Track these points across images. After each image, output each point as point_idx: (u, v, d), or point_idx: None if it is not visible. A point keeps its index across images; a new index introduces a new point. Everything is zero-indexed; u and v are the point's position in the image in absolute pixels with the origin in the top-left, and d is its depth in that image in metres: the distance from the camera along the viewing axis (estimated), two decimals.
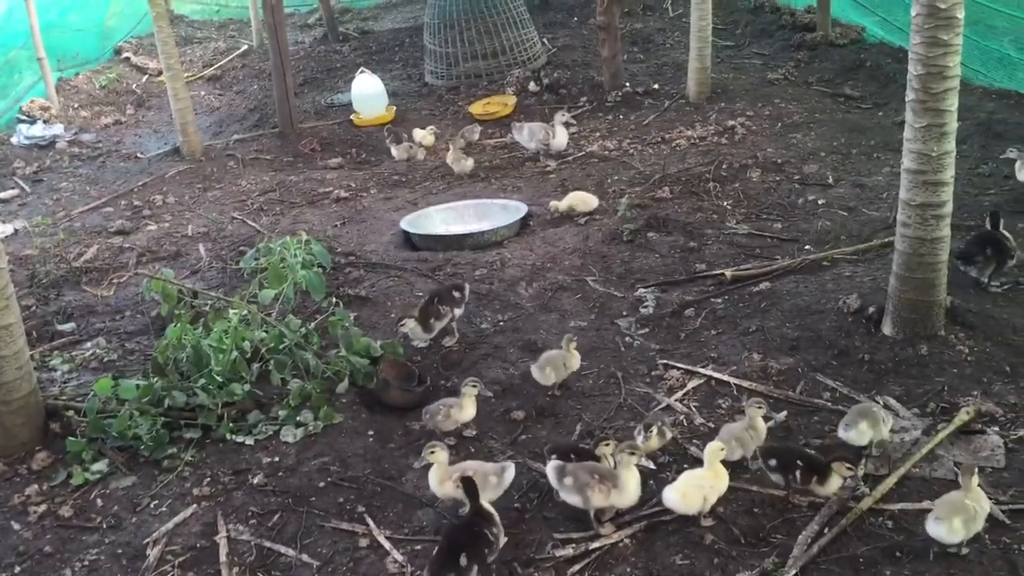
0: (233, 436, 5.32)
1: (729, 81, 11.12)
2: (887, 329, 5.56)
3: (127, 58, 15.38)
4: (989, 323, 5.52)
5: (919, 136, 5.13)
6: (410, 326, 6.01)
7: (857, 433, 4.56)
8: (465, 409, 5.19)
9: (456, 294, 6.17)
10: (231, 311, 5.93)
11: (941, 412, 4.93)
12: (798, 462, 4.32)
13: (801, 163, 8.49)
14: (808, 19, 12.98)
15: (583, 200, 7.95)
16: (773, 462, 4.40)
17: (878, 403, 5.04)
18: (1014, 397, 4.96)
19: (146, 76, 14.74)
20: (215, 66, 15.17)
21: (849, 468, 4.24)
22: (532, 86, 11.68)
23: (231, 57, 15.62)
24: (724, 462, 4.36)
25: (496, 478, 4.49)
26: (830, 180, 8.09)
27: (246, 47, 16.10)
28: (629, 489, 4.33)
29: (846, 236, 7.06)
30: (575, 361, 5.50)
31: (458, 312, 6.17)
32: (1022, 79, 9.47)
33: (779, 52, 12.40)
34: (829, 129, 9.27)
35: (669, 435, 4.83)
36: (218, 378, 5.49)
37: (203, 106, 13.34)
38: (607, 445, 4.60)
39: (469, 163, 9.36)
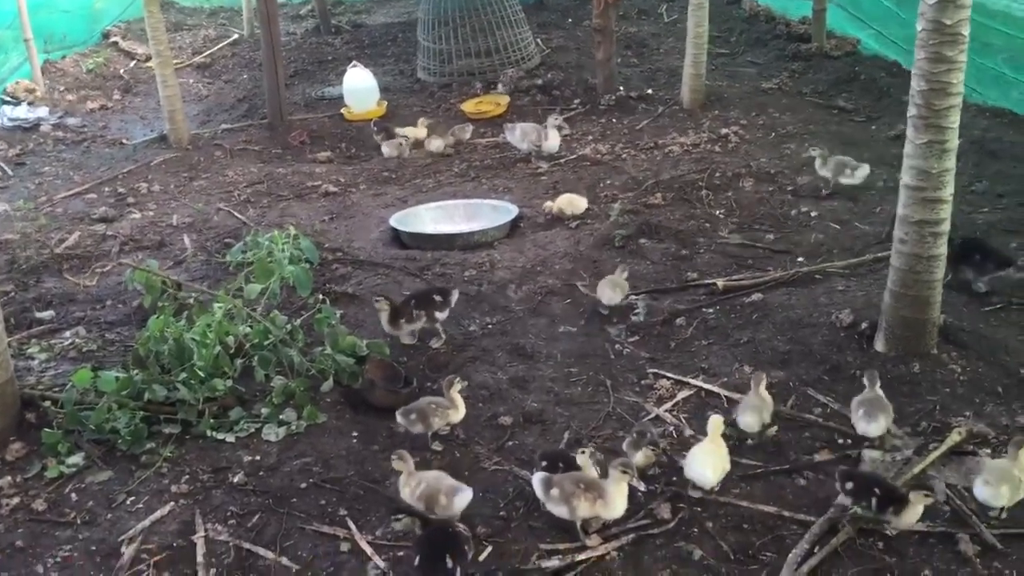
0: (214, 433, 5.20)
1: (723, 89, 11.07)
2: (879, 346, 5.52)
3: (115, 42, 15.16)
4: (982, 343, 5.48)
5: (920, 152, 5.08)
6: (383, 307, 5.95)
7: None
8: (460, 409, 5.12)
9: (437, 298, 6.05)
10: (215, 305, 5.82)
11: (933, 432, 4.88)
12: (875, 490, 4.18)
13: (794, 174, 8.44)
14: (803, 30, 12.95)
15: (572, 203, 7.87)
16: (850, 485, 4.27)
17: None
18: (1006, 419, 4.92)
19: (134, 61, 14.54)
20: (204, 54, 14.99)
21: (927, 495, 4.09)
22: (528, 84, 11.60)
23: (221, 45, 15.43)
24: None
25: (446, 499, 4.39)
26: (823, 192, 8.04)
27: (236, 36, 15.92)
28: (615, 502, 4.26)
29: (839, 250, 7.02)
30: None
31: (440, 316, 6.05)
32: (1016, 98, 9.46)
33: (773, 62, 12.36)
34: (823, 141, 9.20)
35: (660, 447, 4.77)
36: (200, 373, 5.38)
37: (191, 94, 13.16)
38: (583, 453, 4.55)
39: (440, 143, 9.79)
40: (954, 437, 4.75)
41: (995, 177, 8.00)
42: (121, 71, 14.06)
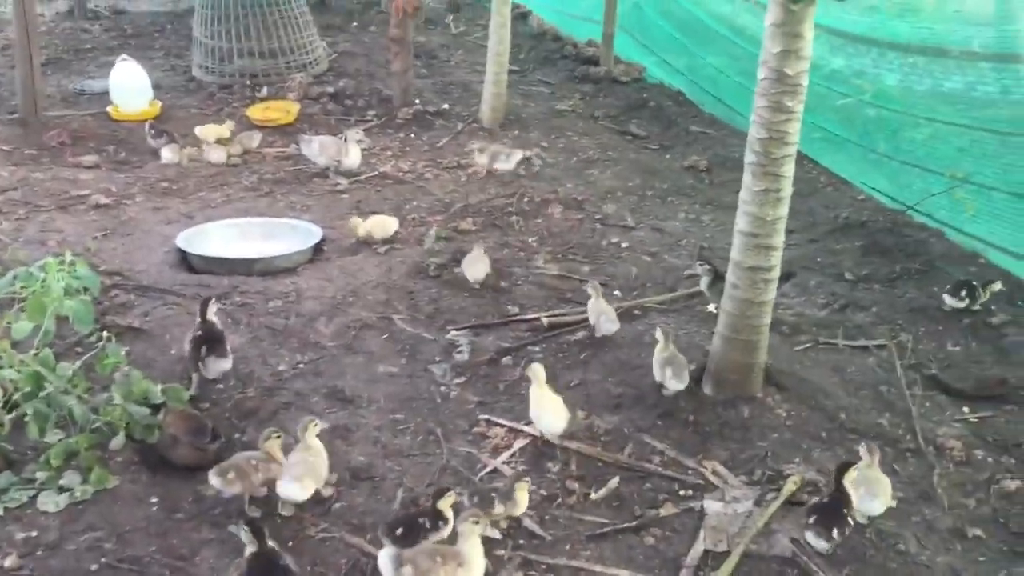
0: None
1: (520, 108, 10.96)
2: (708, 389, 5.49)
3: None
4: (802, 385, 5.59)
5: (756, 199, 5.08)
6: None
7: None
8: (281, 464, 4.58)
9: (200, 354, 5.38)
10: None
11: (768, 480, 4.88)
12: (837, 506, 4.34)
13: (600, 202, 8.42)
14: (591, 52, 13.14)
15: (383, 226, 7.41)
16: (836, 530, 4.28)
17: (705, 468, 4.96)
18: (832, 465, 5.00)
19: None
20: None
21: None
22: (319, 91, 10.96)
23: None
24: None
25: None
26: (630, 222, 8.07)
27: None
28: (476, 564, 3.93)
29: (652, 284, 7.02)
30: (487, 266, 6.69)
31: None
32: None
33: (564, 82, 12.44)
34: (623, 168, 9.30)
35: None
36: None
37: None
38: (449, 496, 4.26)
39: (222, 152, 9.10)
40: (789, 487, 4.77)
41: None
42: None
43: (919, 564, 4.36)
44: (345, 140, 8.73)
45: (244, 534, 3.92)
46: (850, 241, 7.82)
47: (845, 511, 4.32)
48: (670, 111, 11.19)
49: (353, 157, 8.65)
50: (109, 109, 10.17)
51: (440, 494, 4.27)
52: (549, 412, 5.04)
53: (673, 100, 11.57)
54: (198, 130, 9.44)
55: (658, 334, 5.52)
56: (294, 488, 4.42)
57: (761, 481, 4.88)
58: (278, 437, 4.64)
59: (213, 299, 5.74)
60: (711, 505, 4.69)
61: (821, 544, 4.29)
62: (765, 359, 5.49)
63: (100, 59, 12.11)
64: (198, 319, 5.51)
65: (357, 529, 4.43)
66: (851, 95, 8.63)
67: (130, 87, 10.16)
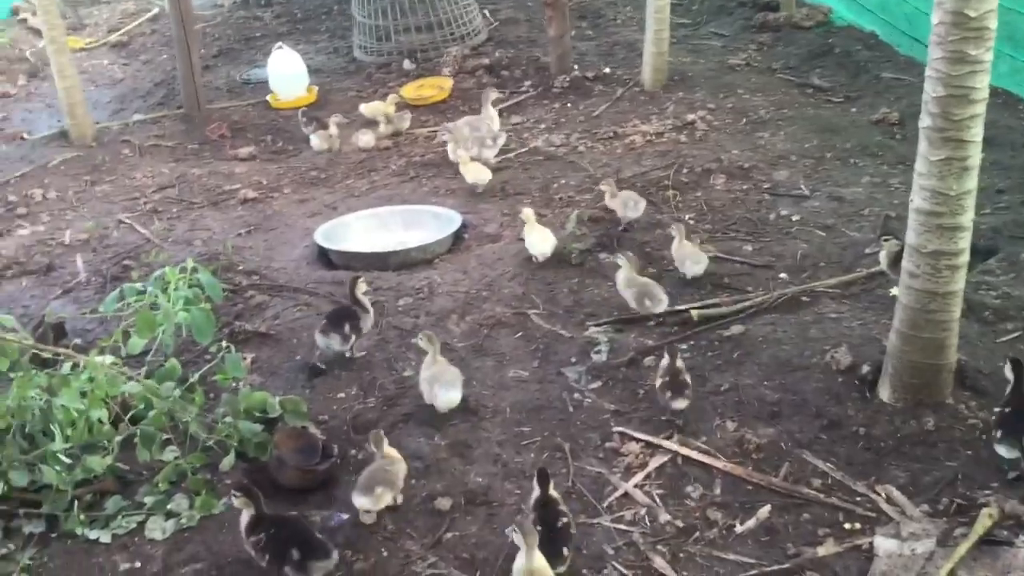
0: (85, 531, 4.26)
1: (687, 66, 10.11)
2: (884, 394, 4.67)
3: (24, 20, 13.81)
4: (1005, 388, 4.64)
5: (935, 171, 4.20)
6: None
7: None
8: (401, 460, 4.37)
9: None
10: (93, 356, 4.83)
11: (957, 511, 4.05)
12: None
13: (770, 168, 7.54)
14: None
15: (476, 173, 7.54)
16: None
17: (877, 495, 4.18)
18: None
19: (43, 42, 13.22)
20: (121, 31, 13.71)
21: None
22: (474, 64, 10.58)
23: (140, 21, 14.14)
24: None
25: None
26: (804, 190, 7.16)
27: (157, 10, 14.57)
28: None
29: (825, 263, 6.15)
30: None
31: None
32: (1005, 73, 8.62)
33: (740, 33, 11.40)
34: (799, 127, 8.32)
35: None
36: (63, 458, 4.39)
37: (105, 77, 11.96)
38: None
39: (370, 137, 8.85)
40: (984, 521, 3.92)
41: (992, 170, 7.12)
42: (28, 52, 12.73)
43: None
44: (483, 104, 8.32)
45: (237, 500, 3.96)
46: None
47: None
48: (859, 57, 9.97)
49: (494, 124, 8.17)
50: (269, 98, 10.20)
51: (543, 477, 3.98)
52: (538, 239, 6.19)
53: (863, 43, 10.31)
54: (363, 108, 9.27)
55: (620, 260, 5.61)
56: (365, 501, 4.21)
57: (948, 512, 4.07)
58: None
59: (361, 278, 5.60)
60: (883, 543, 3.93)
61: (1015, 454, 3.94)
62: (955, 358, 4.60)
63: (268, 47, 12.11)
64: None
65: (467, 564, 4.01)
66: None
67: (287, 74, 10.14)
